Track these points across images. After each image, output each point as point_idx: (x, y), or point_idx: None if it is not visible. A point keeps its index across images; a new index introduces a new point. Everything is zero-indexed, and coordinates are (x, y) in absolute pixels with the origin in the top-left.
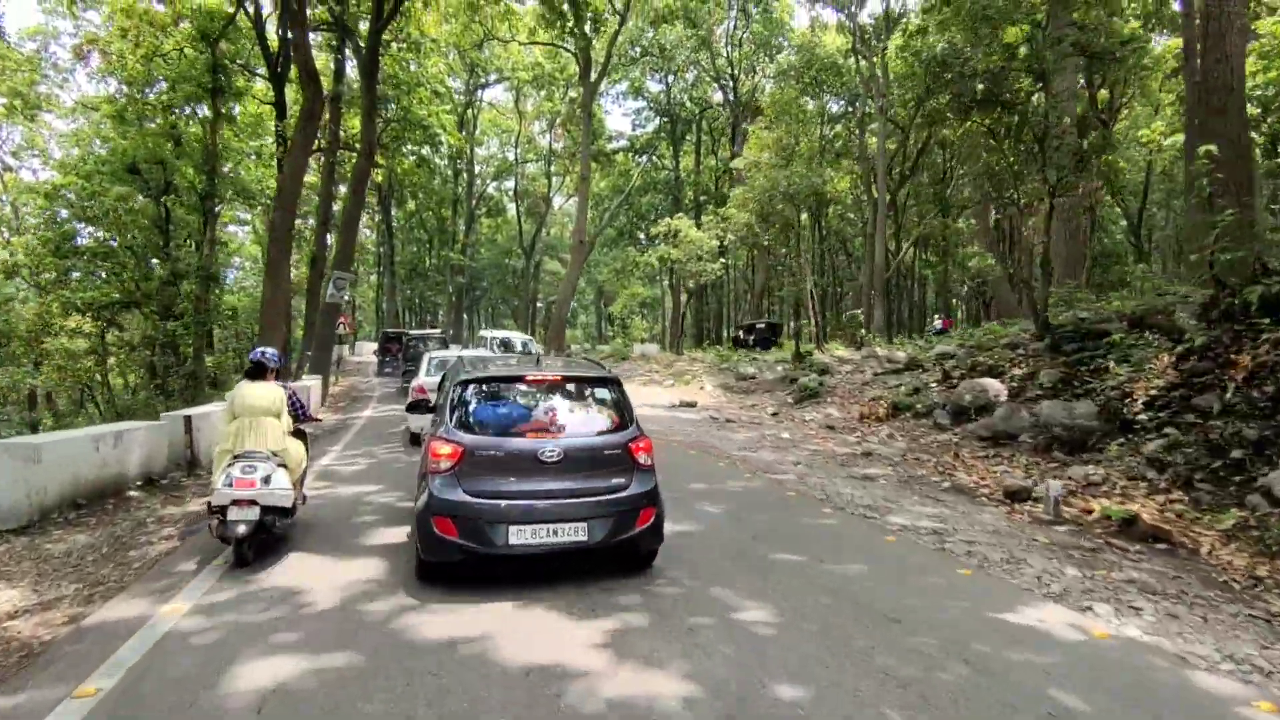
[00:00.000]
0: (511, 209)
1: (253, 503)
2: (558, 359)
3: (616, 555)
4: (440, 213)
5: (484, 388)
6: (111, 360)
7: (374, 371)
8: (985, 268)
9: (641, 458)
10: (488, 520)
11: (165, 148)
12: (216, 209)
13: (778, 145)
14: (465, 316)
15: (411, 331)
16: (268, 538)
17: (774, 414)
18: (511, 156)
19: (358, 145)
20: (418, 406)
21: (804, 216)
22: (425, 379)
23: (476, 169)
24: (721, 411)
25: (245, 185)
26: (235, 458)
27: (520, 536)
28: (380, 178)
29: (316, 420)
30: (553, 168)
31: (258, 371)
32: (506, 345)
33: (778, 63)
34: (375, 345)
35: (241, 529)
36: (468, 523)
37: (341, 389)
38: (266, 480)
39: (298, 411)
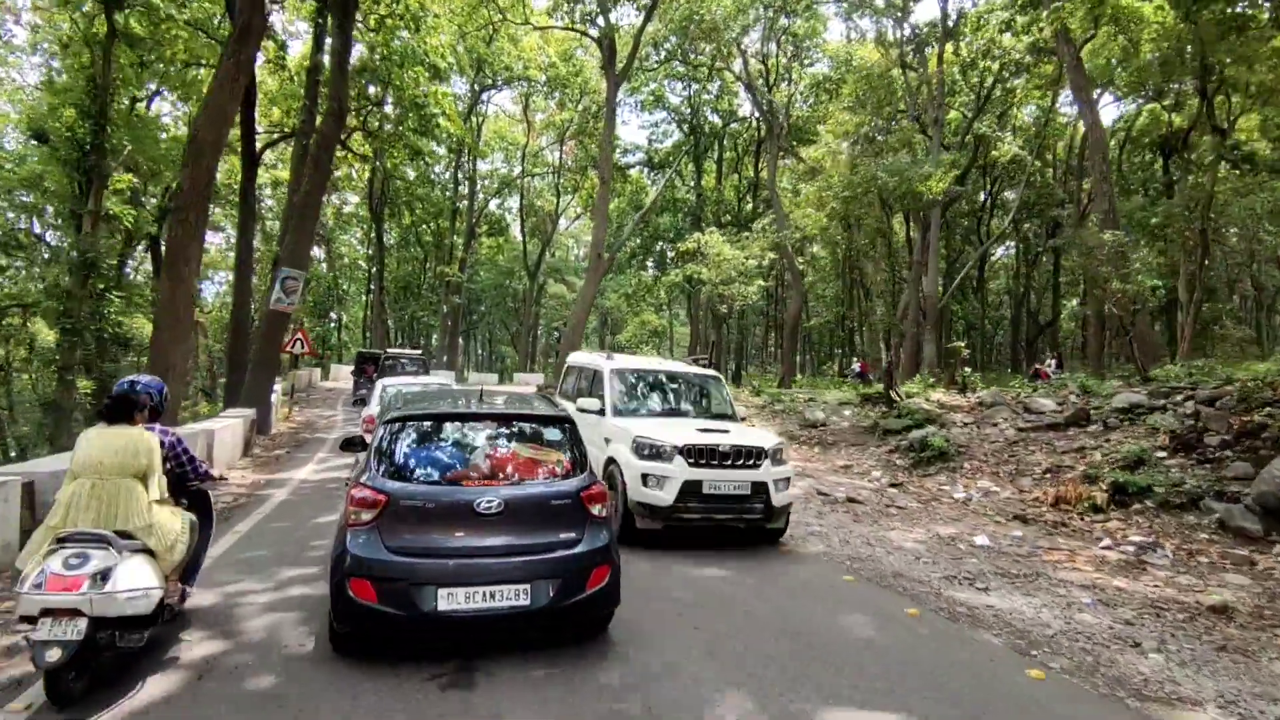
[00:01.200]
0: (515, 227)
1: (76, 613)
2: (502, 394)
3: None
4: (439, 224)
5: (415, 427)
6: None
7: (345, 401)
8: (1134, 293)
9: (595, 508)
10: (413, 582)
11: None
12: (107, 169)
13: (859, 131)
14: (461, 341)
15: (390, 350)
16: (114, 657)
17: (894, 484)
18: (517, 170)
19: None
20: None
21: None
22: (378, 410)
23: (478, 185)
24: (820, 479)
25: (149, 136)
26: (59, 541)
27: (451, 601)
28: (365, 176)
29: (214, 480)
30: (561, 181)
31: (118, 411)
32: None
33: (810, 75)
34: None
35: (54, 654)
36: (389, 585)
37: (291, 427)
38: (103, 577)
39: (188, 469)
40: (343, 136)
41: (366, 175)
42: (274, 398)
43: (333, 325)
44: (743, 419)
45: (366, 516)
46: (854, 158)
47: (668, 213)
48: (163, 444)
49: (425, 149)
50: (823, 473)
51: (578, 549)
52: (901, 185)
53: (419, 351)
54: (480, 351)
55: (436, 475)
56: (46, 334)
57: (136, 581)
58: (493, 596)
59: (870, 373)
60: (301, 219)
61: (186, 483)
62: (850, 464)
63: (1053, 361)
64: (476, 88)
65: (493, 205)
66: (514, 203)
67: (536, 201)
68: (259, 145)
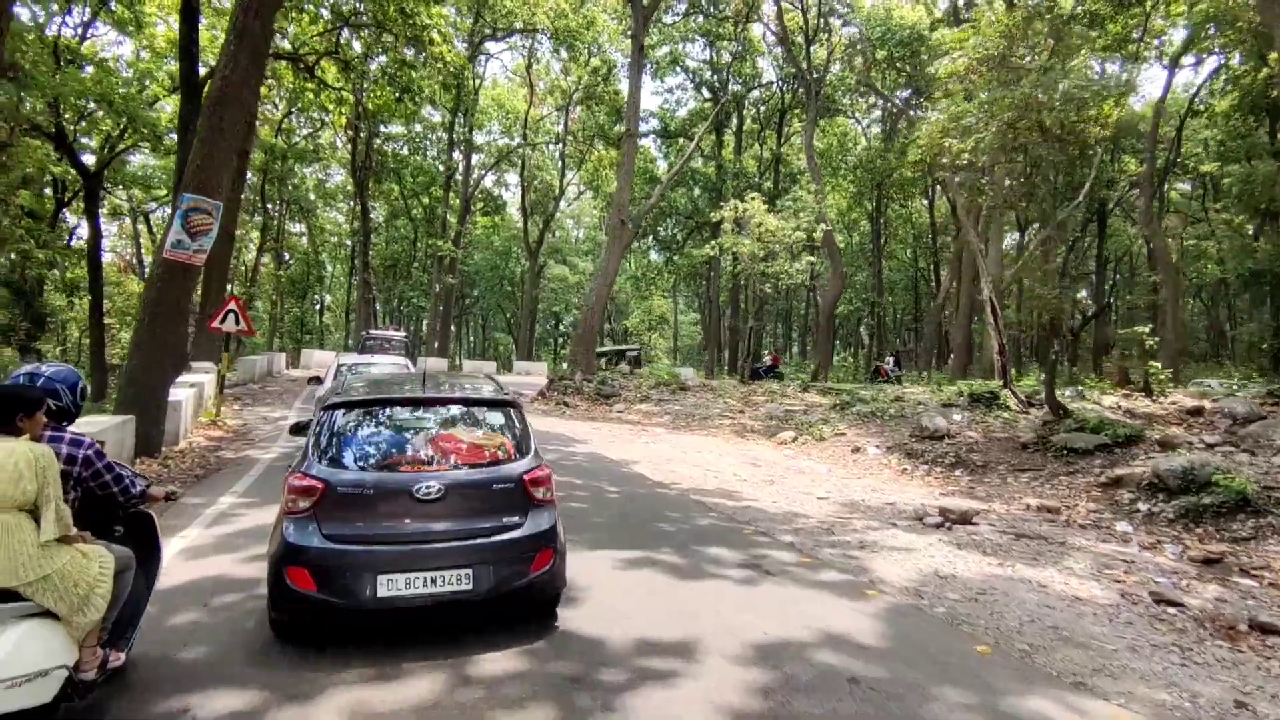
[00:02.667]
0: (512, 205)
1: None
2: (448, 377)
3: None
4: (431, 196)
5: (354, 413)
6: None
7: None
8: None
9: (539, 491)
10: (351, 569)
11: None
12: None
13: (998, 56)
14: (454, 327)
15: (373, 331)
16: None
17: (1205, 558)
18: (516, 142)
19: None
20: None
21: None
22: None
23: (474, 157)
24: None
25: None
26: None
27: (391, 587)
28: (342, 119)
29: (158, 498)
30: (566, 151)
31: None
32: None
33: (846, 36)
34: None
35: None
36: (327, 573)
37: (212, 439)
38: None
39: (114, 488)
40: (312, 61)
41: (349, 141)
42: (181, 396)
43: (315, 307)
44: None
45: (304, 504)
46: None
47: (681, 186)
48: (70, 458)
49: (415, 83)
50: (1033, 526)
51: (520, 533)
52: (1082, 103)
53: (403, 333)
54: (472, 339)
55: (376, 461)
56: None
57: (22, 663)
58: (434, 582)
59: (779, 365)
60: (218, 120)
61: (117, 507)
62: (1053, 505)
63: (891, 359)
64: (476, 38)
65: (488, 181)
66: (512, 178)
67: (538, 173)
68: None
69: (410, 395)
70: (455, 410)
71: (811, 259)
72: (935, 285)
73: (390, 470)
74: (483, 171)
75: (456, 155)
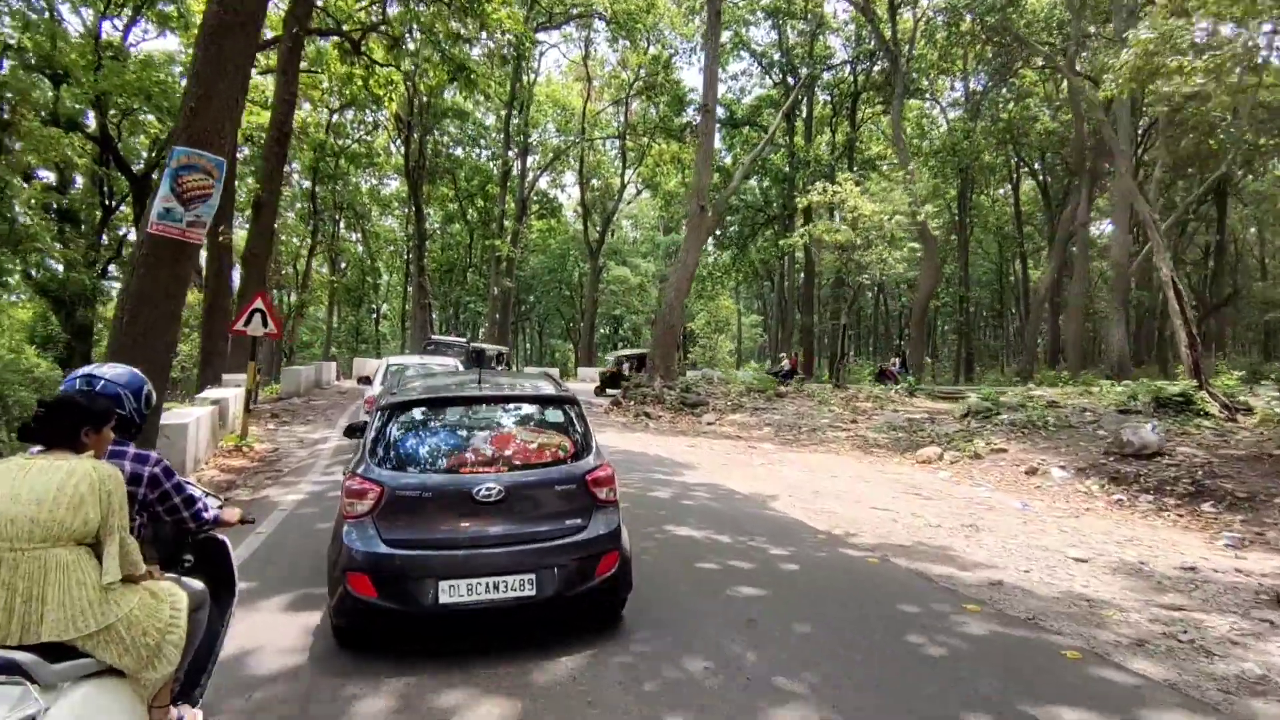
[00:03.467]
0: (568, 208)
1: None
2: (504, 375)
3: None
4: (486, 194)
5: (410, 413)
6: None
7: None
8: None
9: (602, 492)
10: (413, 575)
11: None
12: None
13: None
14: (512, 335)
15: (435, 338)
16: None
17: None
18: (573, 139)
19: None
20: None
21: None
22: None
23: (530, 157)
24: None
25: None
26: None
27: (453, 593)
28: (394, 105)
29: (233, 521)
30: (626, 145)
31: (54, 427)
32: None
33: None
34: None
35: None
36: (389, 579)
37: (232, 469)
38: None
39: (185, 513)
40: (358, 36)
41: (403, 141)
42: (189, 418)
43: (370, 315)
44: None
45: (361, 508)
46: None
47: (748, 178)
48: (135, 477)
49: (468, 60)
50: None
51: (584, 535)
52: None
53: (465, 339)
54: (529, 345)
55: (434, 462)
56: None
57: None
58: (497, 588)
59: (796, 369)
60: (216, 52)
61: (197, 531)
62: None
63: (896, 360)
64: (531, 25)
65: (543, 182)
66: (568, 179)
67: (596, 169)
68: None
69: (468, 394)
70: (513, 408)
71: (915, 245)
72: (1022, 278)
73: (449, 472)
74: (538, 172)
75: (511, 152)
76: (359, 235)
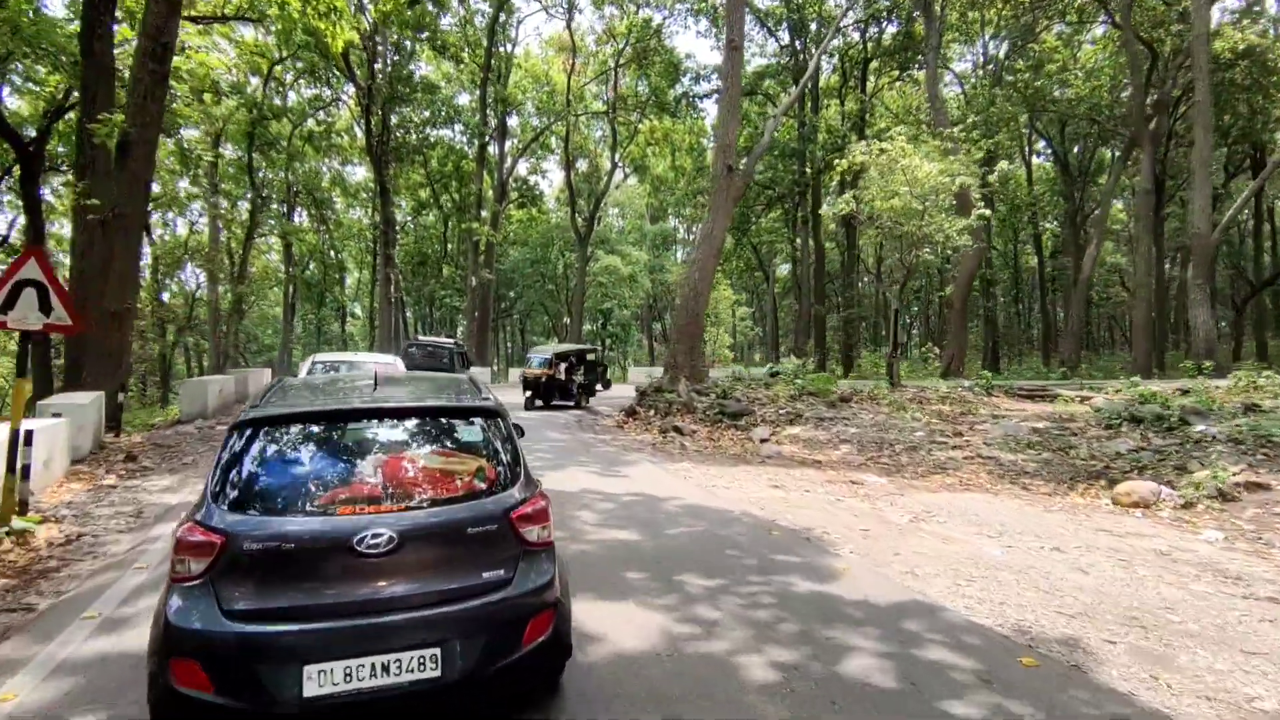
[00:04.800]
0: (549, 194)
1: None
2: (412, 379)
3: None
4: (464, 169)
5: (272, 434)
6: None
7: None
8: None
9: (532, 532)
10: (266, 659)
11: None
12: None
13: None
14: (492, 333)
15: (420, 339)
16: None
17: None
18: (555, 125)
19: None
20: None
21: None
22: None
23: (508, 144)
24: None
25: None
26: None
27: (325, 682)
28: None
29: None
30: (615, 116)
31: None
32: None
33: None
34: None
35: None
36: (230, 666)
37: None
38: None
39: None
40: None
41: (362, 110)
42: None
43: (335, 312)
44: None
45: (196, 567)
46: None
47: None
48: None
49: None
50: None
51: (508, 591)
52: None
53: (455, 340)
54: (510, 344)
55: (301, 501)
56: None
57: None
58: (387, 670)
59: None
60: None
61: None
62: None
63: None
64: None
65: (523, 168)
66: (549, 164)
67: (583, 144)
68: None
69: (353, 405)
70: (416, 424)
71: (983, 212)
72: (1038, 258)
73: (321, 514)
74: (519, 153)
75: (490, 119)
76: (323, 226)
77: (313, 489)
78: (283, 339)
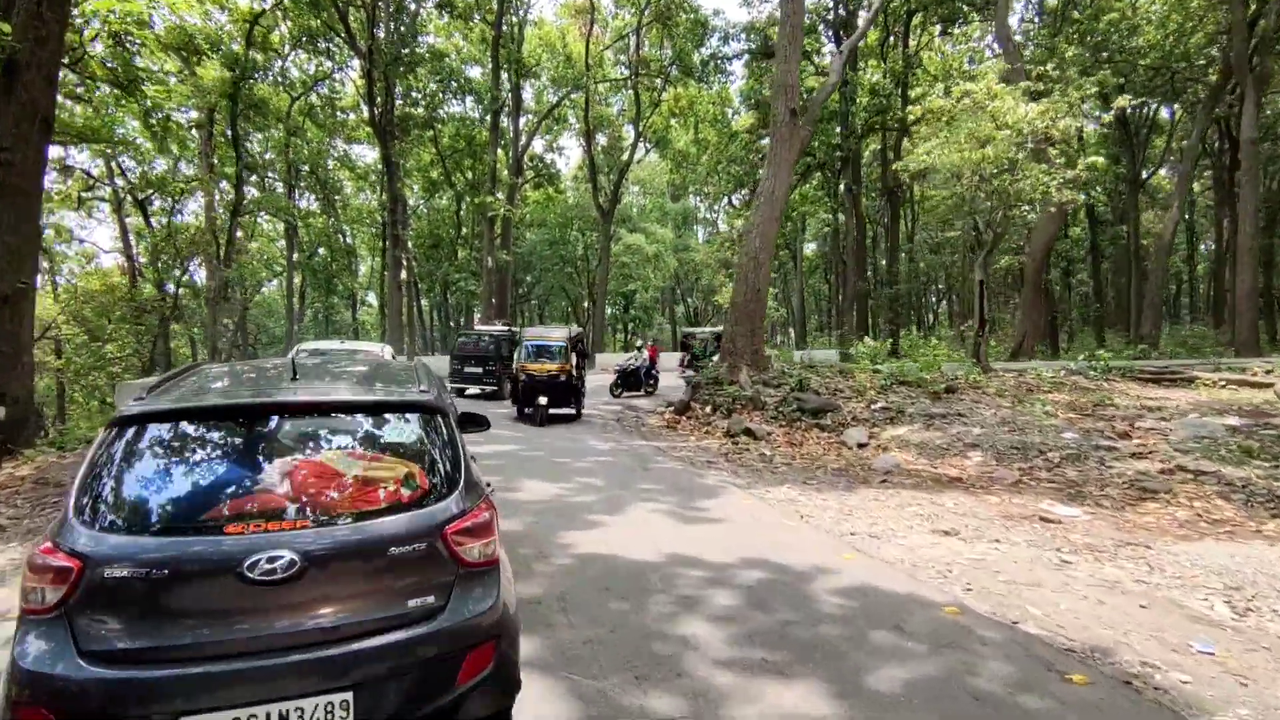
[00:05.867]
0: (567, 170)
1: None
2: (338, 364)
3: None
4: (477, 140)
5: (154, 434)
6: None
7: None
8: None
9: (470, 550)
10: (133, 710)
11: None
12: None
13: None
14: (510, 319)
15: (478, 328)
16: None
17: None
18: (573, 88)
19: None
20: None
21: None
22: None
23: (522, 121)
24: None
25: None
26: None
27: None
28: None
29: None
30: (639, 81)
31: None
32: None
33: None
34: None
35: None
36: (89, 717)
37: None
38: None
39: None
40: None
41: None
42: None
43: (346, 300)
44: None
45: (51, 597)
46: None
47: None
48: None
49: None
50: None
51: (439, 623)
52: None
53: (503, 327)
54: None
55: (184, 517)
56: None
57: None
58: None
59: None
60: None
61: None
62: None
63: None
64: None
65: (539, 145)
66: (565, 141)
67: (601, 123)
68: None
69: (257, 400)
70: (333, 421)
71: (1096, 159)
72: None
73: (206, 532)
74: (534, 126)
75: (504, 82)
76: (329, 209)
77: (200, 502)
78: (287, 328)
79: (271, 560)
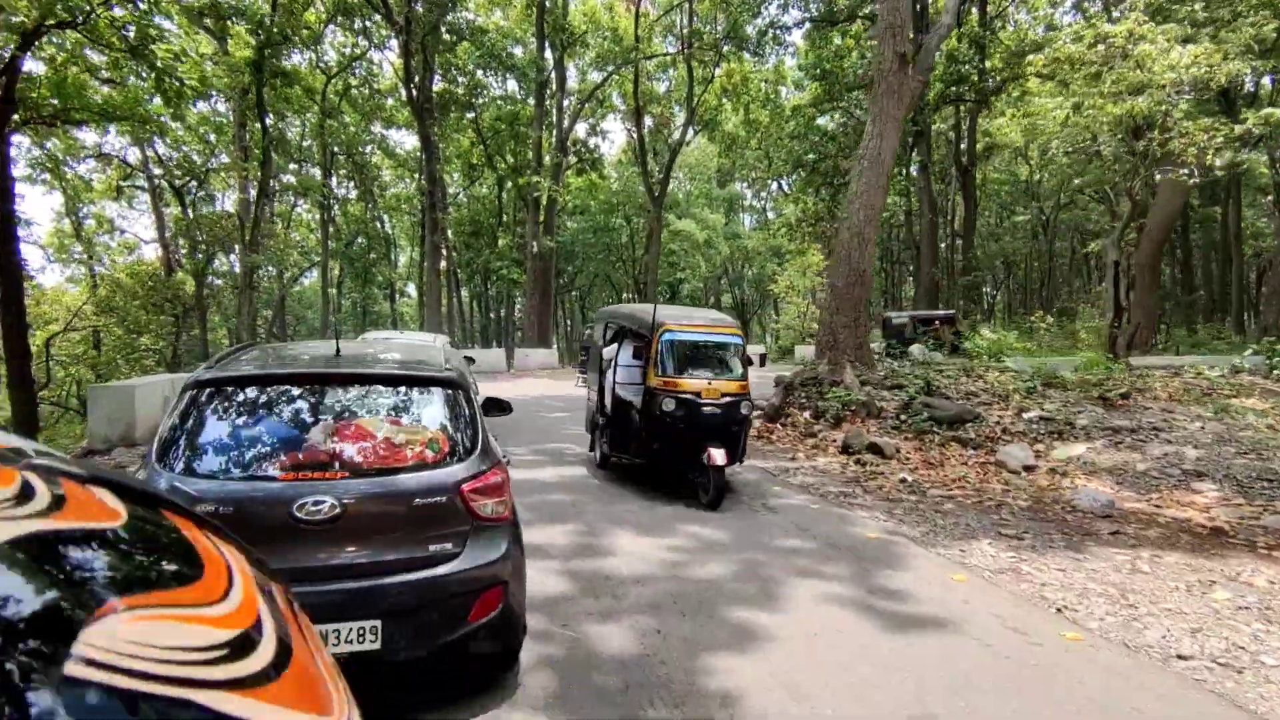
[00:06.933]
0: (610, 154)
1: None
2: (365, 351)
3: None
4: (521, 117)
5: (220, 397)
6: None
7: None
8: None
9: (485, 505)
10: None
11: None
12: None
13: None
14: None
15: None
16: None
17: None
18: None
19: None
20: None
21: None
22: None
23: (565, 102)
24: None
25: None
26: None
27: None
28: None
29: None
30: (692, 53)
31: None
32: None
33: None
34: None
35: None
36: None
37: None
38: None
39: None
40: None
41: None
42: None
43: (384, 291)
44: None
45: None
46: None
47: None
48: None
49: None
50: None
51: (453, 566)
52: None
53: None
54: (569, 322)
55: (243, 466)
56: None
57: None
58: (325, 640)
59: None
60: None
61: None
62: None
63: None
64: None
65: (581, 130)
66: (609, 124)
67: (652, 89)
68: None
69: (306, 370)
70: (369, 392)
71: (1272, 110)
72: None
73: (265, 479)
74: (576, 113)
75: (548, 54)
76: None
77: (258, 454)
78: (322, 319)
79: (316, 504)
